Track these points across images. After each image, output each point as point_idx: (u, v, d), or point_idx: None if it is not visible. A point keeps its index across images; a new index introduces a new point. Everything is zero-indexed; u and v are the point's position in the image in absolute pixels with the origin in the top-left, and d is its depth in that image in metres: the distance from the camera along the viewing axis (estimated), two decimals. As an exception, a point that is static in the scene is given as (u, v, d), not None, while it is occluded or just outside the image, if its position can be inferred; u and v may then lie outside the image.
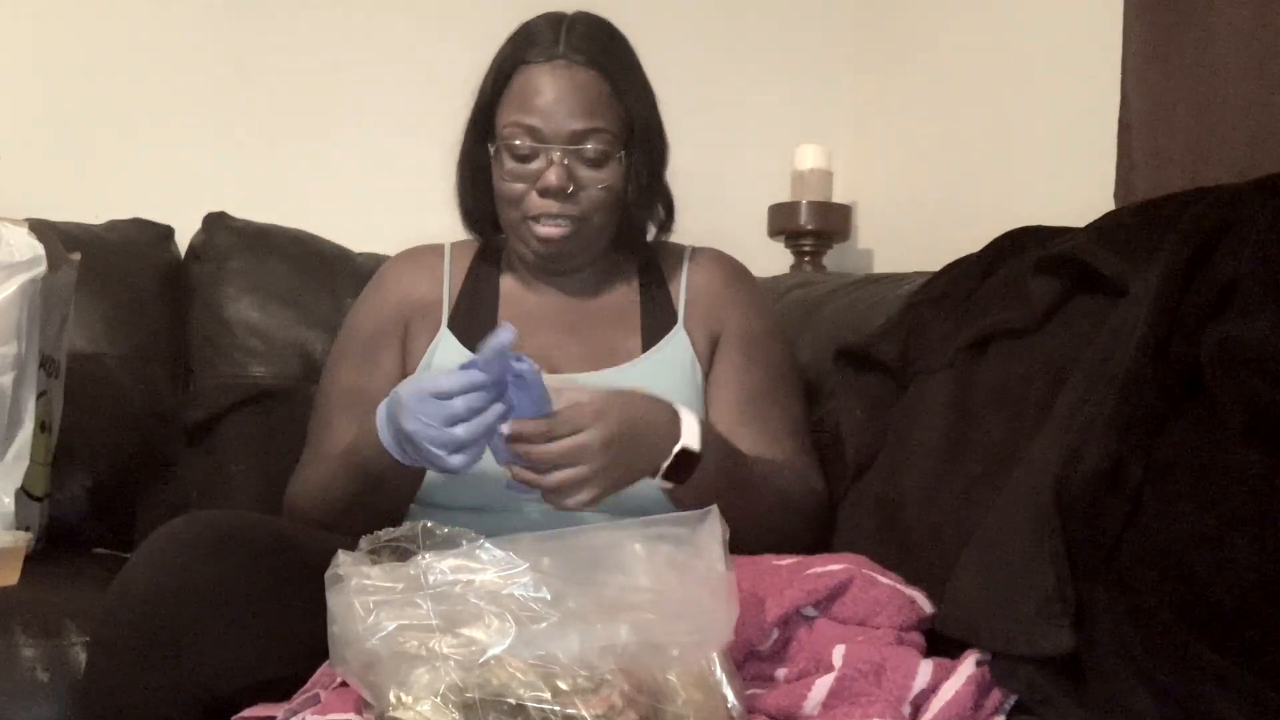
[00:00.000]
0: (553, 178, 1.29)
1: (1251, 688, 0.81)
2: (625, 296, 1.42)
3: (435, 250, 1.47)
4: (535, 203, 1.32)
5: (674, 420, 1.16)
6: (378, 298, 1.44)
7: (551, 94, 1.30)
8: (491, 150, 1.35)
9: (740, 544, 1.23)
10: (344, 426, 1.32)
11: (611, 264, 1.43)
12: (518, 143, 1.30)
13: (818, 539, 1.30)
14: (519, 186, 1.32)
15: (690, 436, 1.15)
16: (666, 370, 1.35)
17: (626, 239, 1.41)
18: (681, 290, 1.42)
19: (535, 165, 1.31)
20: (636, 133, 1.35)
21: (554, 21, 1.34)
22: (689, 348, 1.37)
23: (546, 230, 1.32)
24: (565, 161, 1.30)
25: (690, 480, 1.16)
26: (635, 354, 1.37)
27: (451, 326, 1.38)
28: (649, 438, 1.14)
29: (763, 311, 1.45)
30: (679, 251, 1.46)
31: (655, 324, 1.39)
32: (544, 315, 1.39)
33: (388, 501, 1.25)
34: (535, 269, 1.40)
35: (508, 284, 1.43)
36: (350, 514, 1.23)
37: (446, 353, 1.36)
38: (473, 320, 1.38)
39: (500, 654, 0.84)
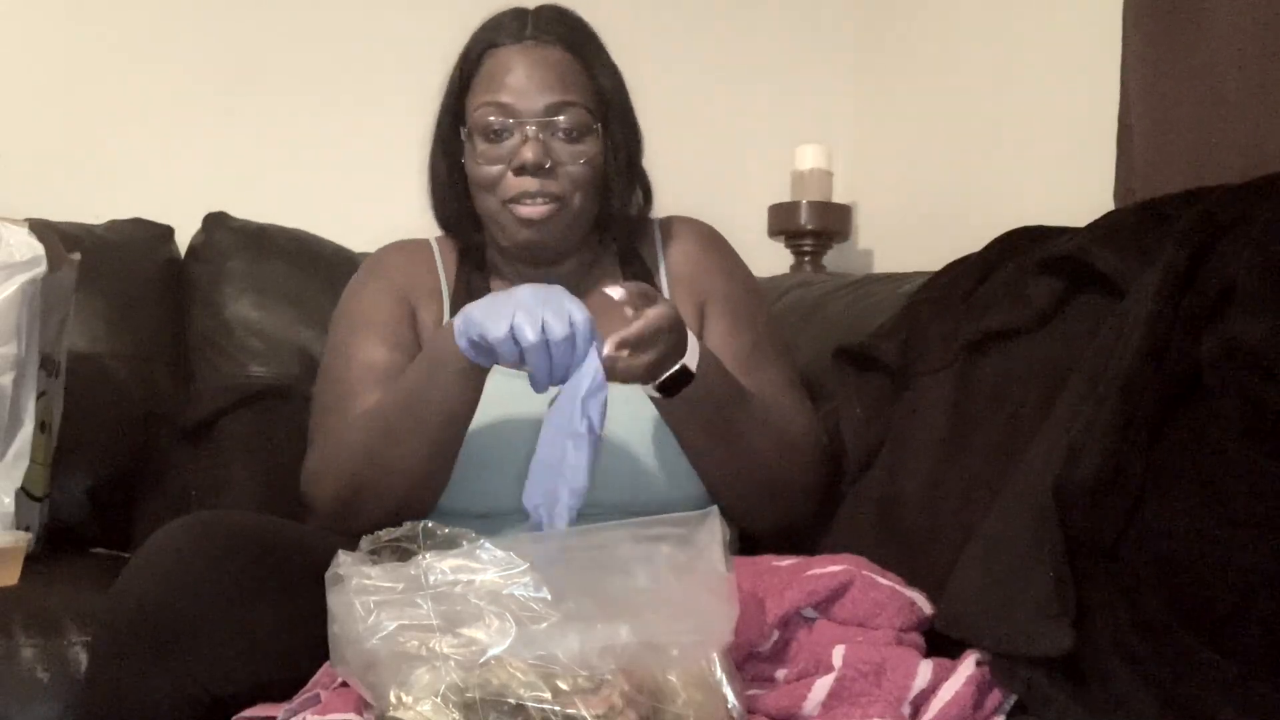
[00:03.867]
0: (529, 153, 1.26)
1: (1251, 688, 0.81)
2: (611, 284, 1.41)
3: (423, 243, 1.45)
4: (513, 183, 1.29)
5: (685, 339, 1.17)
6: (380, 283, 1.40)
7: (522, 71, 1.29)
8: (464, 135, 1.33)
9: (740, 482, 1.25)
10: (374, 399, 1.27)
11: (593, 254, 1.41)
12: (491, 119, 1.28)
13: (819, 490, 1.31)
14: (494, 169, 1.29)
15: (692, 358, 1.16)
16: None
17: (606, 225, 1.39)
18: (661, 268, 1.41)
19: (510, 144, 1.29)
20: (611, 110, 1.34)
21: (519, 10, 1.34)
22: None
23: (527, 210, 1.29)
24: (540, 136, 1.28)
25: (686, 396, 1.17)
26: None
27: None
28: (678, 342, 1.15)
29: (741, 273, 1.44)
30: (649, 229, 1.44)
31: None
32: None
33: (435, 432, 1.19)
34: (518, 261, 1.38)
35: (497, 286, 1.40)
36: (395, 457, 1.19)
37: None
38: None
39: (500, 654, 0.84)
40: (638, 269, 1.42)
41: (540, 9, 1.35)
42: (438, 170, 1.39)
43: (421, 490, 1.21)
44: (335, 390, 1.33)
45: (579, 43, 1.33)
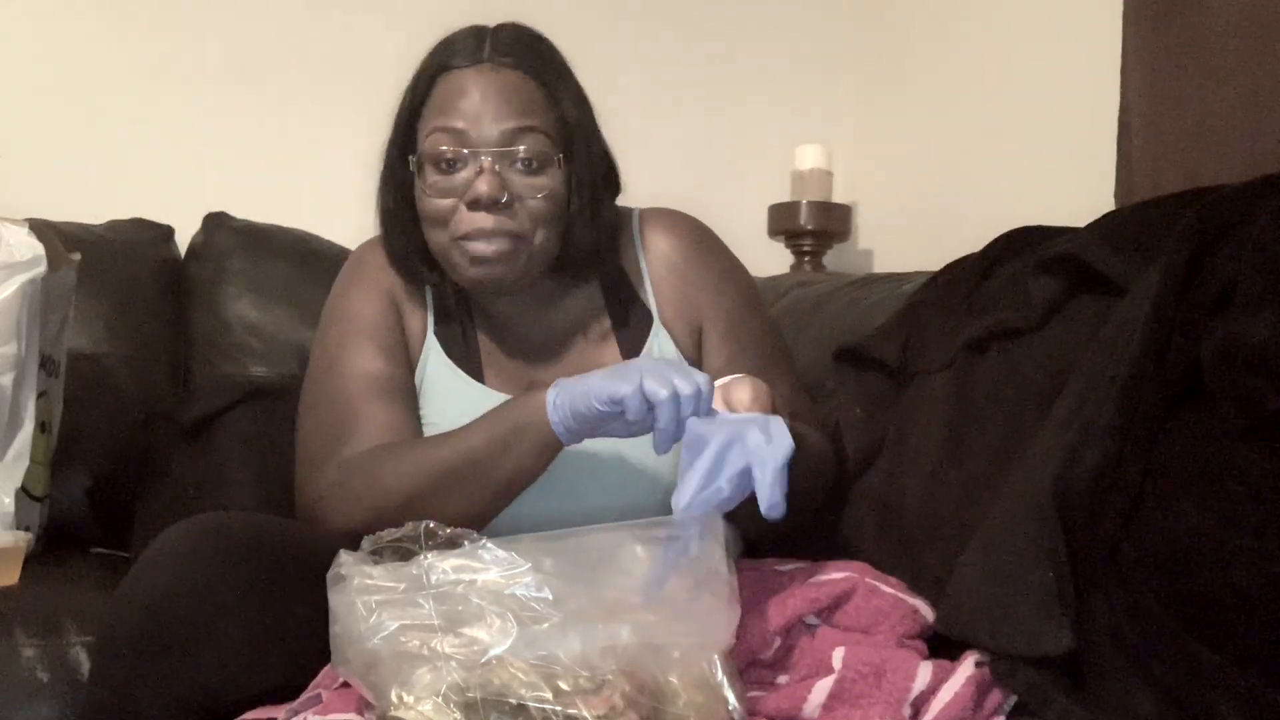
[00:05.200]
0: (483, 186, 1.16)
1: (1251, 688, 0.81)
2: (589, 302, 1.32)
3: None
4: (465, 219, 1.19)
5: None
6: (367, 283, 1.32)
7: (478, 94, 1.19)
8: (413, 165, 1.22)
9: (792, 522, 1.20)
10: (381, 415, 1.22)
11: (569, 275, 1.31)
12: (443, 148, 1.18)
13: (828, 497, 1.30)
14: (445, 202, 1.19)
15: None
16: None
17: (565, 264, 1.27)
18: (646, 283, 1.32)
19: (463, 175, 1.19)
20: (575, 139, 1.22)
21: (477, 29, 1.25)
22: (672, 346, 1.30)
23: (479, 249, 1.19)
24: (496, 168, 1.17)
25: None
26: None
27: (437, 334, 1.31)
28: None
29: (732, 280, 1.35)
30: (627, 229, 1.34)
31: (632, 331, 1.31)
32: (522, 332, 1.32)
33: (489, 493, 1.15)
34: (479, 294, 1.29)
35: (476, 308, 1.33)
36: (436, 505, 1.12)
37: (438, 371, 1.30)
38: (452, 339, 1.31)
39: (502, 654, 0.85)
40: (617, 278, 1.33)
41: (500, 28, 1.24)
42: (385, 203, 1.28)
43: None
44: (339, 410, 1.25)
45: (541, 66, 1.23)
